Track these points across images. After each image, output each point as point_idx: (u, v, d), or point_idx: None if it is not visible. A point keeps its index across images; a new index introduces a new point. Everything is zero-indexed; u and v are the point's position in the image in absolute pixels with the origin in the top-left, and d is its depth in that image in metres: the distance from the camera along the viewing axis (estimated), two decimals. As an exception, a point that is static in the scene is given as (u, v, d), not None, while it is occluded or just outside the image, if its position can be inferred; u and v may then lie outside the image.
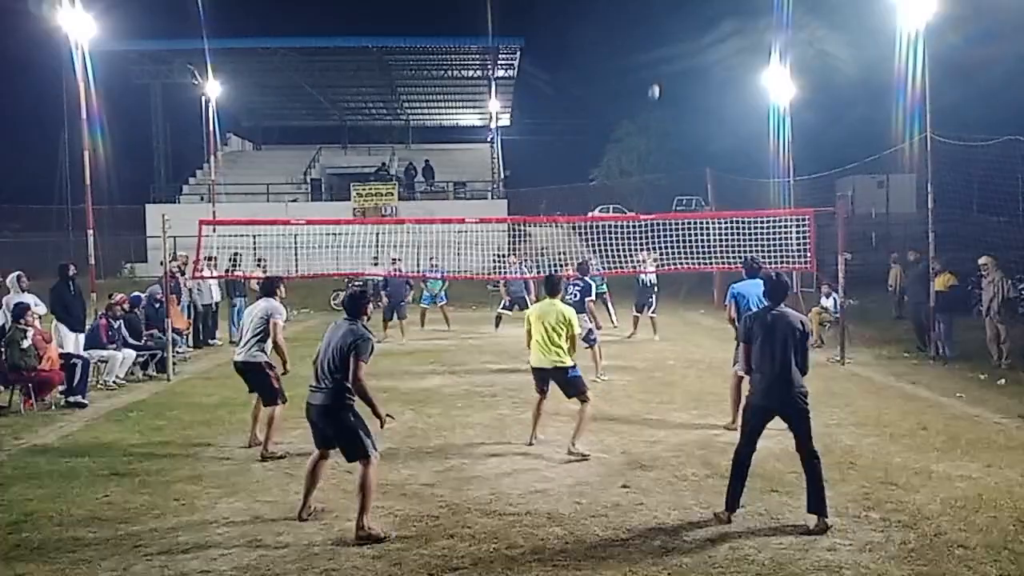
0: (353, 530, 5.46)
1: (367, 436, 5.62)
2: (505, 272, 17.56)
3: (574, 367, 7.77)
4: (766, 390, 5.67)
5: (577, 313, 11.35)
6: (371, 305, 6.09)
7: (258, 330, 7.65)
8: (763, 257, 14.60)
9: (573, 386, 7.73)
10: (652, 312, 16.06)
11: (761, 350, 5.71)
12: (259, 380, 7.71)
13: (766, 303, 6.02)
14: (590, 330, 11.34)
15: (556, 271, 16.03)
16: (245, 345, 7.73)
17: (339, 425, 5.61)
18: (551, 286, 8.03)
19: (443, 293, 17.95)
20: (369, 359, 5.61)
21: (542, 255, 19.29)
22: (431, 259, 18.32)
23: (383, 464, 6.57)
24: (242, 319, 7.97)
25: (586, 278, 11.84)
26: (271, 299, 7.82)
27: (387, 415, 5.67)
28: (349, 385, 5.56)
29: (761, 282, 8.16)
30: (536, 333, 7.73)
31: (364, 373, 5.55)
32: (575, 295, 11.45)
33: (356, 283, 16.97)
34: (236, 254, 16.98)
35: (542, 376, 7.86)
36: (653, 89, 15.77)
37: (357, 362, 5.52)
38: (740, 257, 14.83)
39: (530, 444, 7.87)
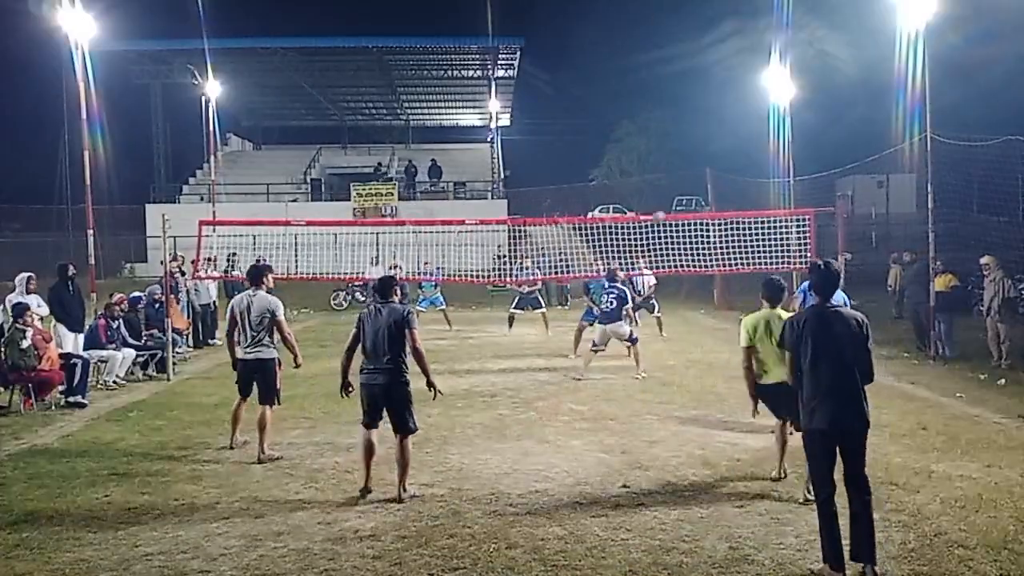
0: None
1: (414, 413, 6.35)
2: (518, 274, 17.52)
3: None
4: (828, 410, 4.74)
5: (616, 320, 11.52)
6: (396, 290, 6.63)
7: (261, 328, 7.45)
8: (763, 257, 14.69)
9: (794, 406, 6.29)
10: (657, 312, 16.29)
11: (815, 358, 4.77)
12: (267, 379, 7.52)
13: (812, 299, 5.01)
14: (631, 331, 11.73)
15: (558, 272, 16.00)
16: (253, 343, 7.47)
17: (401, 399, 6.27)
18: (773, 292, 6.44)
19: (440, 297, 17.89)
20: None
21: (542, 255, 19.31)
22: (425, 263, 18.29)
23: (382, 465, 6.60)
24: (235, 312, 7.55)
25: (619, 285, 11.87)
26: (260, 289, 7.54)
27: (439, 390, 6.35)
28: (404, 360, 6.25)
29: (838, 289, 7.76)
30: (767, 352, 6.24)
31: (420, 341, 6.29)
32: (611, 303, 11.56)
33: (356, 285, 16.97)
34: (233, 254, 16.97)
35: (785, 391, 5.66)
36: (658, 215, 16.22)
37: (412, 333, 6.25)
38: (739, 257, 14.91)
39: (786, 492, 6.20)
